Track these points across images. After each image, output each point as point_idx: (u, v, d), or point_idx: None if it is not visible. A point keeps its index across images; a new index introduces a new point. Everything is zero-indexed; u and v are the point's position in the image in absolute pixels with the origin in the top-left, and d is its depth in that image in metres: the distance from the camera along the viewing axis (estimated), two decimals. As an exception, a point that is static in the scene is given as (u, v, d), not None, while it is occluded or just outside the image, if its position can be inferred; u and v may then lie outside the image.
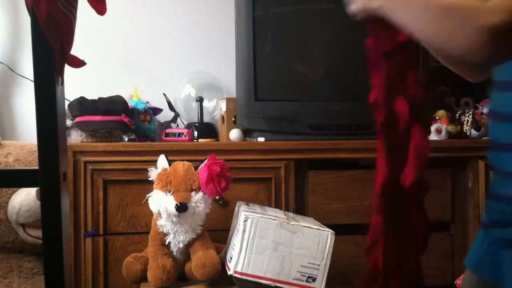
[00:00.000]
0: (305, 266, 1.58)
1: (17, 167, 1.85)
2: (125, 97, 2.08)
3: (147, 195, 1.73)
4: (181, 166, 1.72)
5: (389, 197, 0.99)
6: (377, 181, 0.99)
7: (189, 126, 2.27)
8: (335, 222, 1.86)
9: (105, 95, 2.04)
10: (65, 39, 0.97)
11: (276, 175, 1.94)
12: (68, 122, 2.09)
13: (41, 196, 0.97)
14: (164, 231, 1.70)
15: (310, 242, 1.58)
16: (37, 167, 0.97)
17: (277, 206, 1.93)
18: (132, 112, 2.08)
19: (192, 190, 1.68)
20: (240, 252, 1.57)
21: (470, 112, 2.21)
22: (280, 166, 1.94)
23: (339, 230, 1.64)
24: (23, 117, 2.34)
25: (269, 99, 2.04)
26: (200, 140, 2.16)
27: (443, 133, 2.11)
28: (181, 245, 1.70)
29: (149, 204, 1.73)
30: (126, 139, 1.96)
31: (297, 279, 1.57)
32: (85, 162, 1.85)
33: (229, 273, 1.60)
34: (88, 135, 1.98)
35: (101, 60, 2.36)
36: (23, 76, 2.27)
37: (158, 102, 2.31)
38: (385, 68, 0.97)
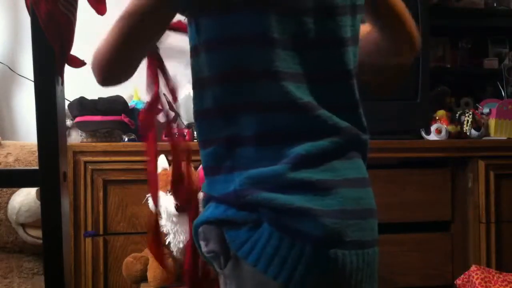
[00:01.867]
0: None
1: (17, 167, 1.85)
2: (125, 97, 2.08)
3: (147, 195, 1.73)
4: (181, 166, 1.72)
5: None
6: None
7: (189, 126, 2.26)
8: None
9: (105, 95, 2.03)
10: (65, 39, 0.97)
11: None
12: (68, 122, 2.09)
13: (41, 196, 0.97)
14: (164, 231, 1.70)
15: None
16: (37, 167, 0.97)
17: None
18: (132, 112, 2.07)
19: (192, 190, 1.68)
20: (240, 252, 1.57)
21: (470, 112, 2.21)
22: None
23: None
24: (23, 117, 2.33)
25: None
26: (200, 140, 2.15)
27: (443, 133, 2.11)
28: (181, 245, 1.70)
29: (149, 204, 1.72)
30: (126, 139, 1.96)
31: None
32: (85, 162, 1.85)
33: (229, 273, 1.60)
34: (88, 135, 1.98)
35: (101, 60, 2.36)
36: (23, 76, 2.26)
37: (158, 102, 2.30)
38: None
